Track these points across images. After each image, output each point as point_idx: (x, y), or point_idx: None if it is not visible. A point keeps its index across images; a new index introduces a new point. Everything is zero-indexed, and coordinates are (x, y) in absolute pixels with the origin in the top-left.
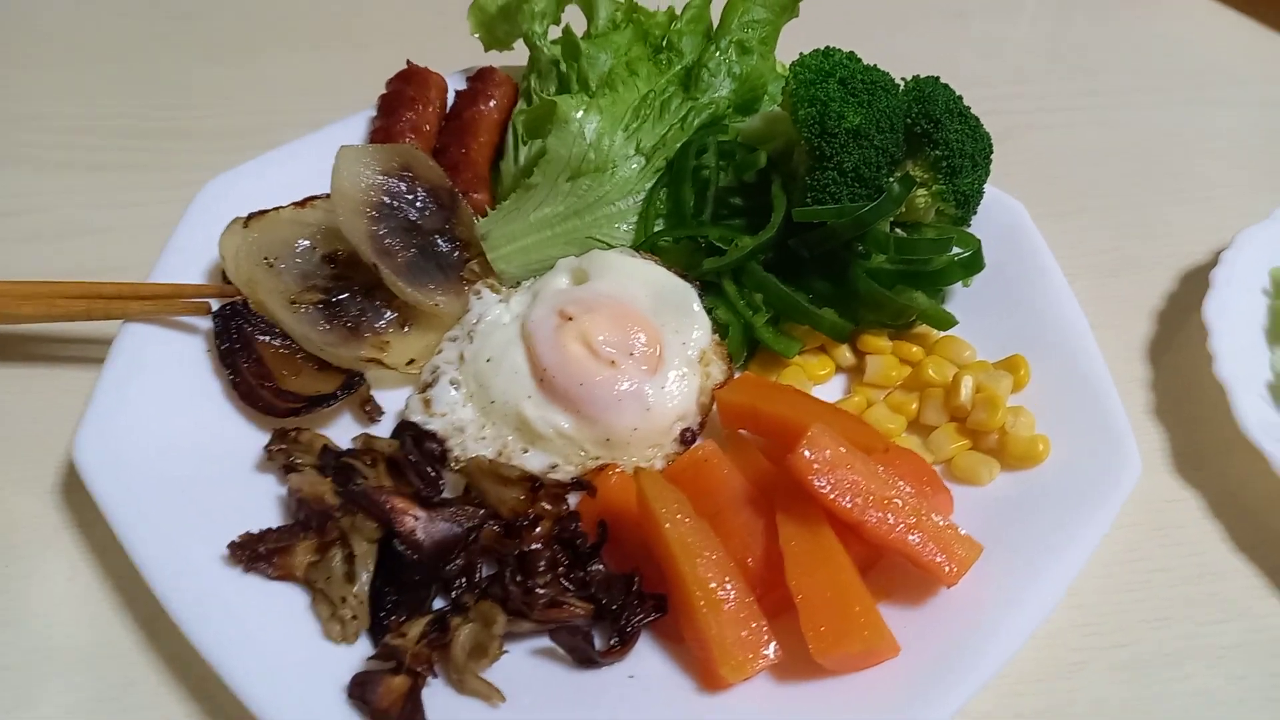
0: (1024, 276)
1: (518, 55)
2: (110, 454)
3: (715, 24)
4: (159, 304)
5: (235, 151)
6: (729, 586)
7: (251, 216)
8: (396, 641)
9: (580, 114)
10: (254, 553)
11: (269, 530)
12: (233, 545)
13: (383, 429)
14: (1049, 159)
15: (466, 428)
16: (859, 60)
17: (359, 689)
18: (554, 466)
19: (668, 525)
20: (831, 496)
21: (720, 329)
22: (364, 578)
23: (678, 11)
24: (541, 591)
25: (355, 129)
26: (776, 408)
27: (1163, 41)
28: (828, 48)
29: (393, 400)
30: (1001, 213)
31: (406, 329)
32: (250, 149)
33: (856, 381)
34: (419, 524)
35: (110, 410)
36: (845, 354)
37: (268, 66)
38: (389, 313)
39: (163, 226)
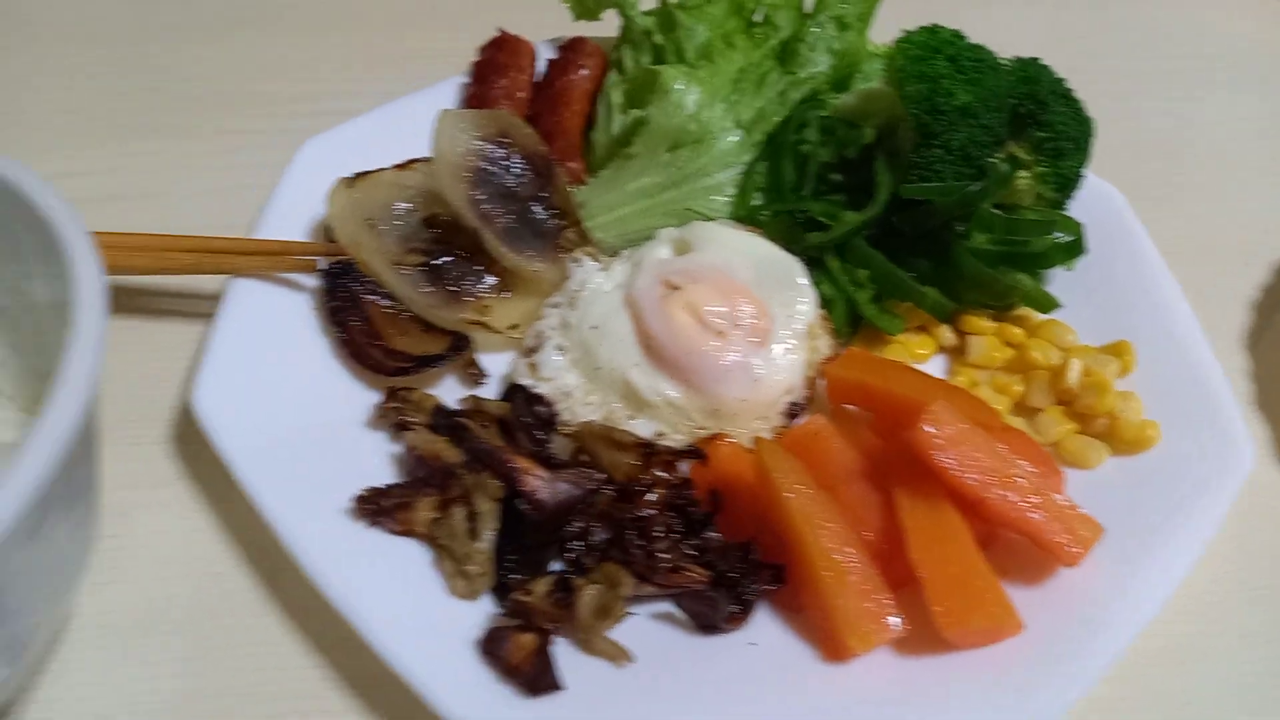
0: (1123, 262)
1: (602, 26)
2: (228, 405)
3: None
4: (268, 260)
5: (320, 116)
6: (853, 558)
7: (356, 177)
8: (524, 599)
9: (682, 85)
10: (379, 507)
11: (393, 486)
12: (358, 499)
13: (484, 392)
14: (1141, 145)
15: (573, 393)
16: (965, 38)
17: (490, 644)
18: (660, 435)
19: (790, 495)
20: (955, 473)
21: (824, 304)
22: (488, 536)
23: None
24: (665, 556)
25: (445, 95)
26: (891, 383)
27: (1256, 24)
28: (934, 25)
29: (492, 364)
30: (1098, 198)
31: (506, 294)
32: (337, 114)
33: (958, 362)
34: (542, 485)
35: (226, 362)
36: (946, 334)
37: (351, 37)
38: (489, 278)
39: (252, 188)
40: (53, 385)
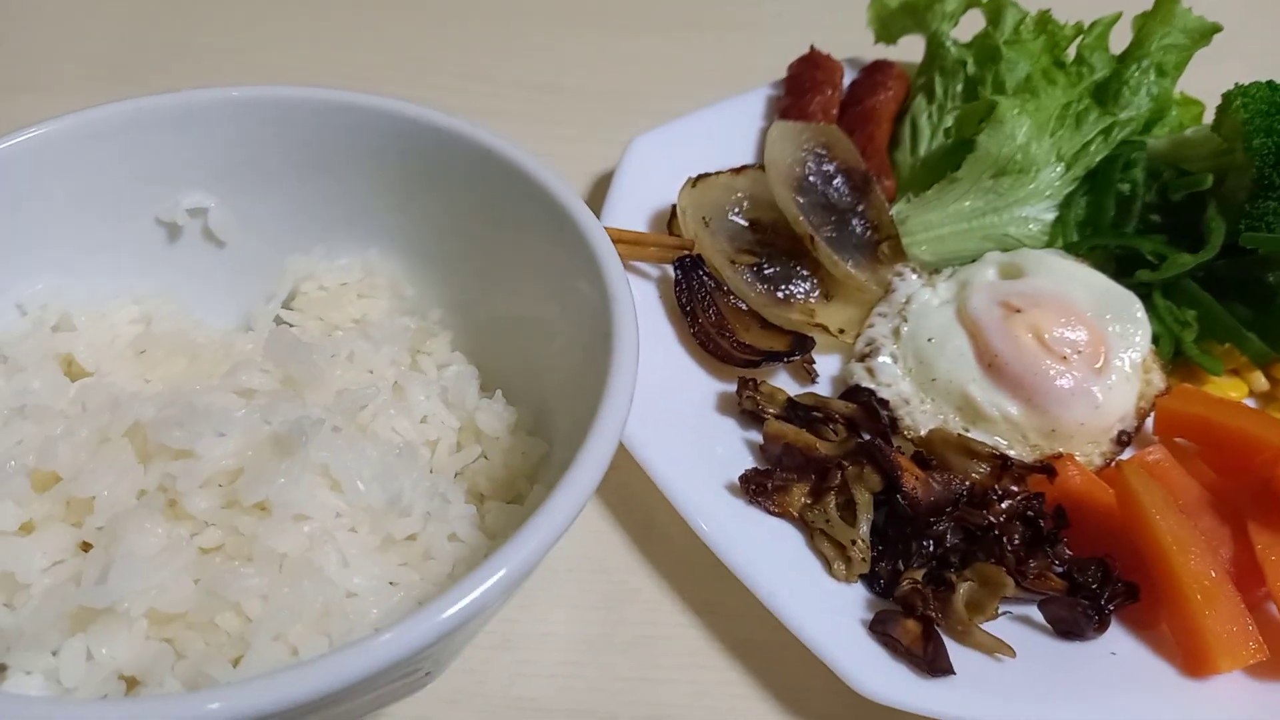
0: None
1: (897, 51)
2: None
3: (1114, 44)
4: (627, 248)
5: (627, 114)
6: (1220, 581)
7: (699, 178)
8: (911, 586)
9: (1015, 116)
10: (760, 487)
11: (775, 469)
12: (743, 478)
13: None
14: None
15: (910, 400)
16: None
17: (881, 625)
18: (996, 448)
19: (1159, 517)
20: None
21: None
22: (865, 525)
23: (1084, 26)
24: (1032, 563)
25: (754, 106)
26: (1239, 422)
27: None
28: (1271, 81)
29: (819, 365)
30: None
31: (828, 300)
32: (642, 114)
33: (1271, 408)
34: (919, 484)
35: None
36: (1259, 379)
37: (656, 43)
38: (811, 283)
39: (568, 176)
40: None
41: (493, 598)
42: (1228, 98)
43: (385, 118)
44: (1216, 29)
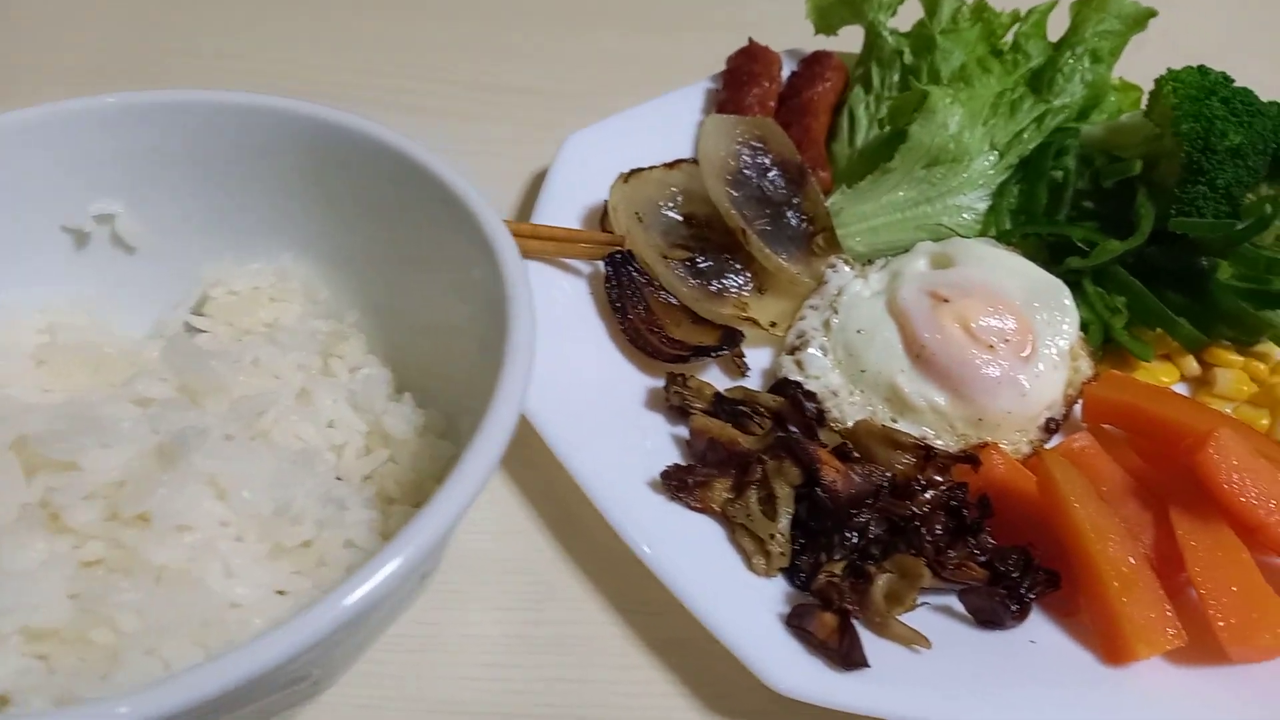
0: None
1: (837, 42)
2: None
3: (1051, 31)
4: (556, 245)
5: (571, 112)
6: (1138, 568)
7: (631, 173)
8: (832, 579)
9: (947, 105)
10: (682, 483)
11: (696, 464)
12: (665, 474)
13: (745, 385)
14: None
15: (839, 392)
16: (1233, 80)
17: (797, 619)
18: (923, 438)
19: (1077, 505)
20: (1240, 498)
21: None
22: (785, 519)
23: (1021, 14)
24: (952, 554)
25: (693, 100)
26: (1164, 409)
27: None
28: (1201, 66)
29: (750, 359)
30: None
31: (761, 293)
32: (586, 110)
33: (1203, 392)
34: (839, 476)
35: None
36: (1191, 364)
37: (602, 40)
38: (744, 276)
39: (505, 174)
40: (499, 377)
41: (367, 606)
42: (1159, 83)
43: (288, 118)
44: (1151, 14)
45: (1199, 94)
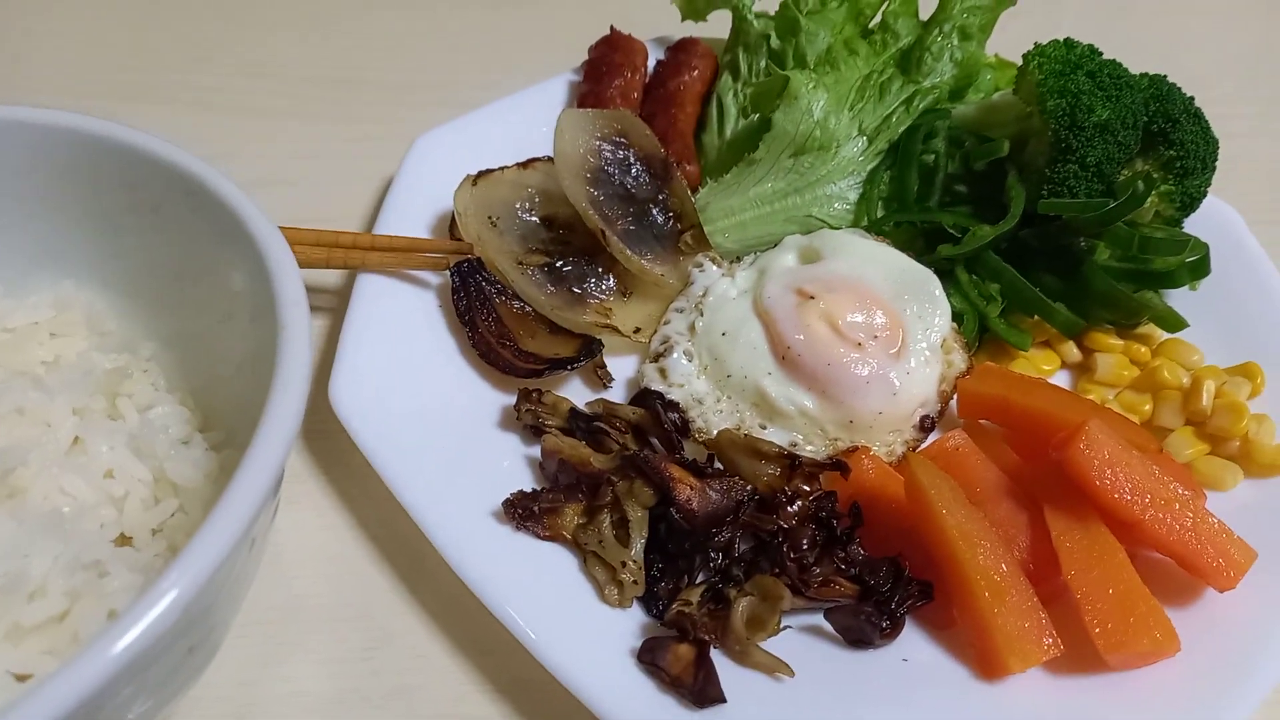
0: (1244, 283)
1: (707, 27)
2: (364, 401)
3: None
4: (397, 257)
5: (420, 108)
6: (1010, 576)
7: (480, 175)
8: (685, 610)
9: (809, 90)
10: (527, 511)
11: (543, 490)
12: (508, 503)
13: (609, 396)
14: (1257, 165)
15: (704, 399)
16: (1100, 53)
17: (649, 654)
18: (793, 445)
19: (945, 511)
20: (1111, 494)
21: (952, 317)
22: (639, 544)
23: None
24: (817, 570)
25: (554, 94)
26: (1036, 401)
27: None
28: (1068, 39)
29: (616, 368)
30: (1217, 218)
31: (627, 297)
32: (434, 105)
33: (1085, 379)
34: (695, 494)
35: (359, 359)
36: (1072, 350)
37: (445, 19)
38: (609, 280)
39: (356, 179)
40: (272, 391)
41: (109, 685)
42: (1026, 58)
43: (47, 132)
44: None
45: (1064, 68)
